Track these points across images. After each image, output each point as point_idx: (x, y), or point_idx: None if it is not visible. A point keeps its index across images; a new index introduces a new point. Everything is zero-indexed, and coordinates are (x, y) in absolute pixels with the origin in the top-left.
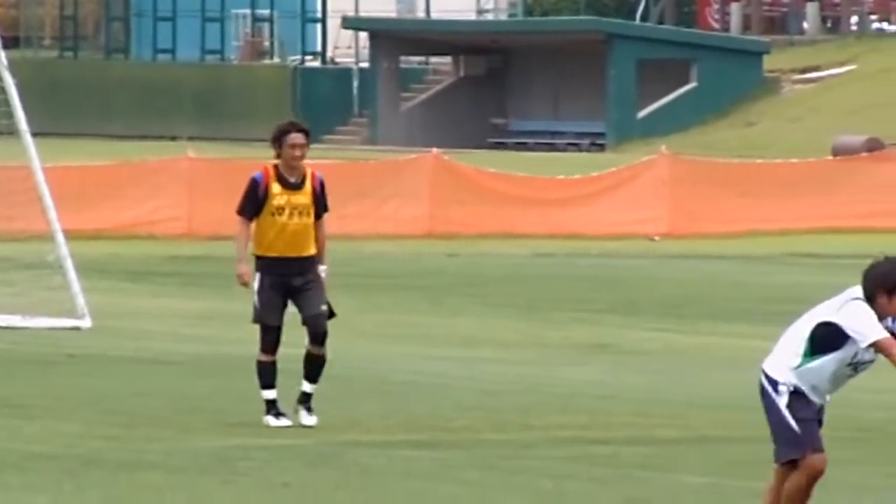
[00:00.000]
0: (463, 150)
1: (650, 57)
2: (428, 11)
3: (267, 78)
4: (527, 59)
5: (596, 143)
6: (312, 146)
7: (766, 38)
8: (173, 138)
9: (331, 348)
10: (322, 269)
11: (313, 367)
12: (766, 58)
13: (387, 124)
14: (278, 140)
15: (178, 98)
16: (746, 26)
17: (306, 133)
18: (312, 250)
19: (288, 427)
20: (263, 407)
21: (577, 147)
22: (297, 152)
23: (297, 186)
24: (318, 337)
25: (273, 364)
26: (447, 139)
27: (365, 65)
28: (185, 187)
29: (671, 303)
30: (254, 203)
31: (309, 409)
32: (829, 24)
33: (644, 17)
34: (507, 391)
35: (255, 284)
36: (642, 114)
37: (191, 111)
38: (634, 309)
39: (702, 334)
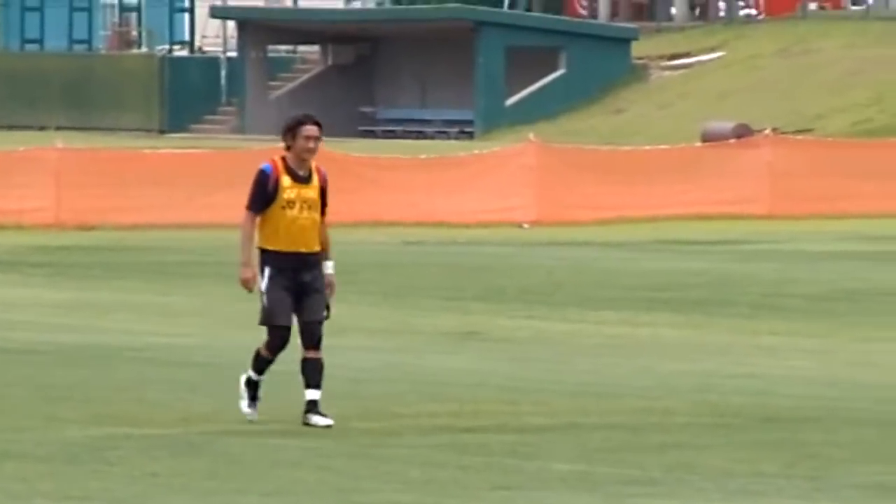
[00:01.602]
0: (331, 138)
1: (518, 44)
2: (296, 0)
3: (135, 67)
4: (395, 48)
5: (464, 131)
6: (179, 135)
7: (634, 25)
8: (41, 128)
9: (199, 336)
10: (329, 266)
11: (313, 372)
12: (634, 44)
13: (255, 113)
14: (292, 131)
15: (47, 88)
16: (614, 13)
17: (320, 125)
18: (318, 246)
19: (253, 421)
20: (244, 391)
21: (445, 135)
22: (311, 144)
23: (305, 180)
24: (313, 342)
25: (271, 361)
26: None
27: (233, 54)
28: (53, 177)
29: (540, 290)
30: (263, 196)
31: (321, 413)
32: (697, 11)
33: (512, 5)
34: (375, 379)
35: (263, 283)
36: (511, 101)
37: (59, 101)
38: (503, 296)
39: (570, 321)
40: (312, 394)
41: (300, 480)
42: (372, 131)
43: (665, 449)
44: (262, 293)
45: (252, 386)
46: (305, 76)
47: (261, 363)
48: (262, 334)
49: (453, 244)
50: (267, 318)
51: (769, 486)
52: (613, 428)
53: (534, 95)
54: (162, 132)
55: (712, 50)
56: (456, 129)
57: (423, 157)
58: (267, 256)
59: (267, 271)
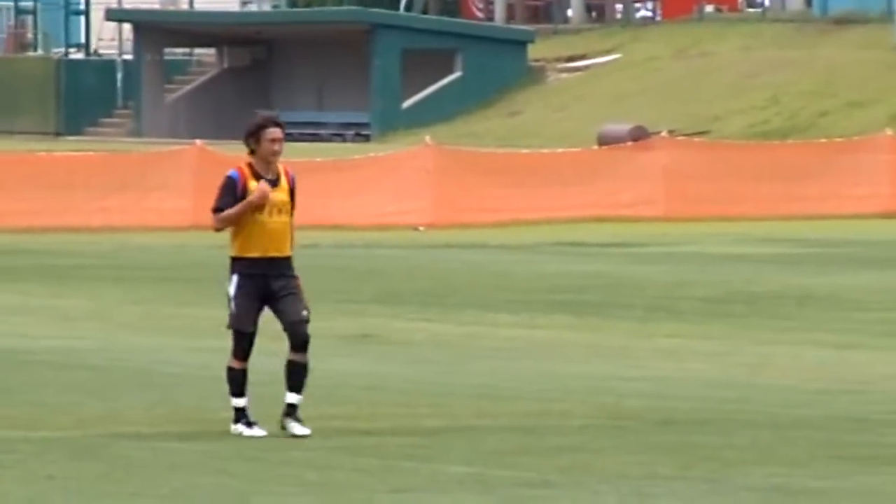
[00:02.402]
0: (227, 141)
1: (414, 47)
2: (191, 3)
3: (31, 70)
4: (291, 50)
5: (361, 134)
6: (75, 138)
7: (530, 28)
8: None
9: (94, 339)
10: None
11: (297, 375)
12: (530, 47)
13: (151, 116)
14: (255, 135)
15: None
16: (511, 16)
17: (282, 126)
18: (290, 250)
19: (263, 437)
20: (232, 415)
21: (341, 138)
22: (277, 147)
23: (274, 183)
24: (300, 344)
25: (244, 371)
26: (212, 131)
27: (129, 57)
28: None
29: (435, 293)
30: (232, 200)
31: (299, 420)
32: (593, 13)
33: (408, 8)
34: (273, 382)
35: (232, 289)
36: (407, 104)
37: None
38: (399, 299)
39: (466, 324)
40: (292, 397)
41: (197, 484)
42: None
43: (561, 451)
44: (229, 299)
45: (241, 413)
46: (201, 79)
47: (235, 383)
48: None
49: (349, 247)
50: (233, 323)
51: (665, 489)
52: (509, 430)
53: (430, 98)
54: (58, 135)
55: (608, 52)
56: (352, 132)
57: (318, 159)
58: (237, 264)
59: (235, 278)
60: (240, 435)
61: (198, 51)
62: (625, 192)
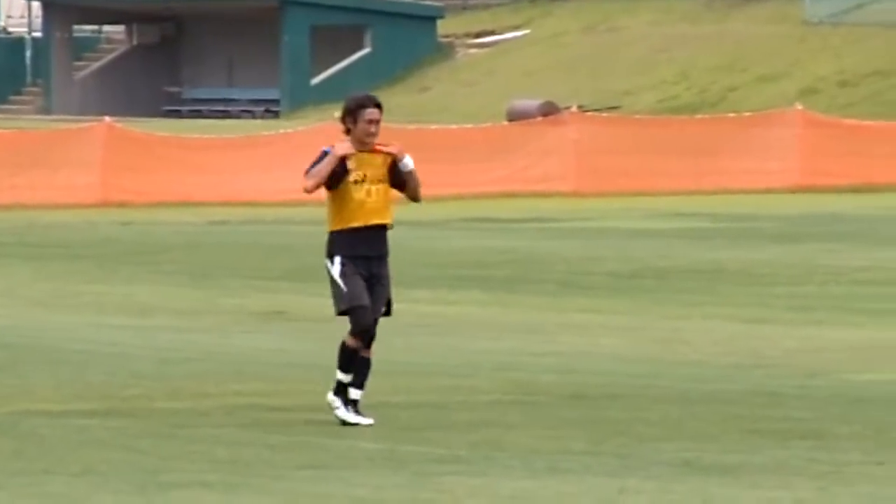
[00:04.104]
0: (137, 118)
1: (324, 23)
2: None
3: None
4: (200, 27)
5: (270, 110)
6: None
7: (439, 3)
8: None
9: (4, 317)
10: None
11: (362, 369)
12: (440, 23)
13: (61, 93)
14: (353, 114)
15: None
16: None
17: (381, 107)
18: (390, 219)
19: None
20: (335, 399)
21: (251, 114)
22: (373, 128)
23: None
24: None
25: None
26: (121, 107)
27: (38, 34)
28: None
29: None
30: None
31: (361, 413)
32: None
33: None
34: (182, 359)
35: (336, 270)
36: (316, 80)
37: None
38: (309, 275)
39: None
40: (356, 393)
41: (107, 460)
42: (177, 111)
43: (472, 427)
44: (338, 279)
45: (343, 390)
46: (110, 56)
47: (347, 356)
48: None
49: (259, 223)
50: (348, 302)
51: (576, 464)
52: (421, 406)
53: (339, 74)
54: None
55: (518, 28)
56: (262, 109)
57: (228, 136)
58: (339, 237)
59: (338, 259)
60: (329, 405)
61: (107, 28)
62: (535, 167)
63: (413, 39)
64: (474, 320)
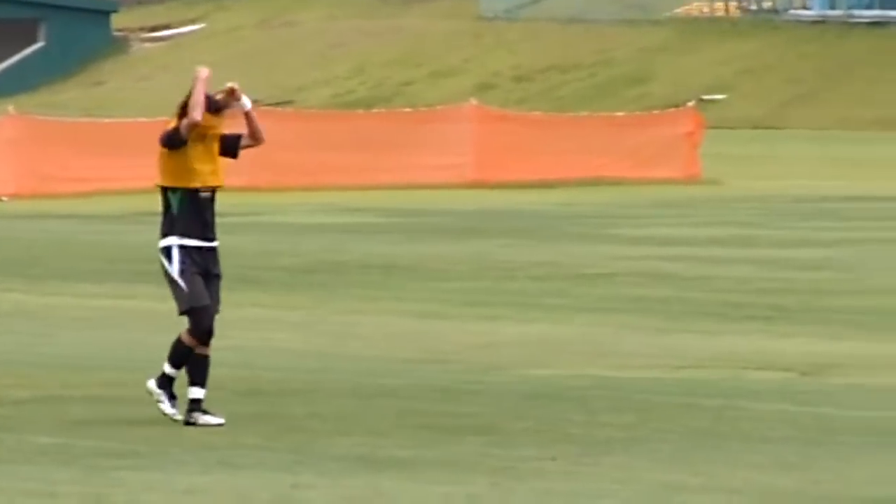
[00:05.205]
0: None
1: None
2: None
3: None
4: None
5: None
6: None
7: None
8: None
9: None
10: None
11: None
12: (114, 17)
13: None
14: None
15: None
16: None
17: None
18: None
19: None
20: (161, 393)
21: None
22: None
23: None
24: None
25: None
26: None
27: None
28: None
29: (19, 263)
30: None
31: (205, 412)
32: None
33: None
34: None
35: (175, 268)
36: None
37: None
38: None
39: (50, 294)
40: (198, 392)
41: None
42: None
43: (147, 422)
44: (176, 280)
45: (169, 383)
46: None
47: (182, 354)
48: None
49: None
50: (189, 303)
51: (250, 459)
52: (95, 400)
53: (13, 68)
54: None
55: (193, 22)
56: None
57: None
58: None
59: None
60: (157, 402)
61: None
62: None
63: (87, 33)
64: (148, 314)
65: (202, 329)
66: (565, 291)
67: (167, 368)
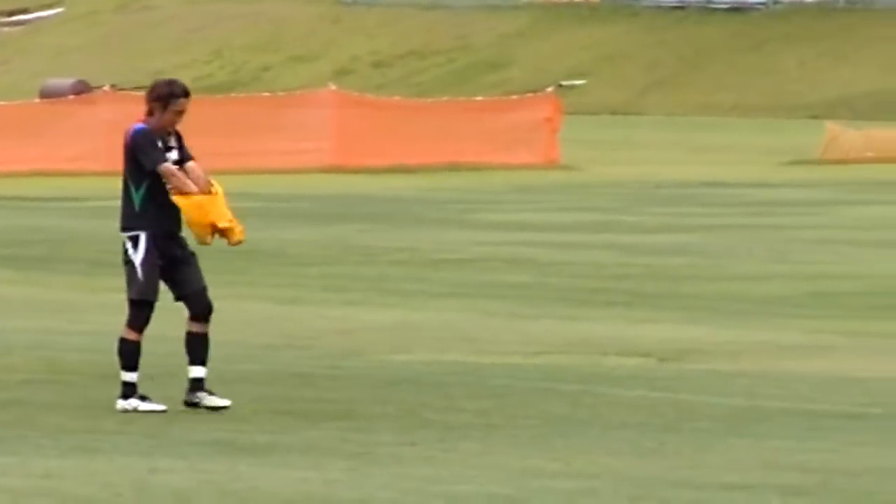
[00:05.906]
0: None
1: None
2: None
3: None
4: None
5: None
6: None
7: None
8: None
9: None
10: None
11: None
12: None
13: None
14: (163, 100)
15: None
16: None
17: (189, 96)
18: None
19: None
20: (131, 402)
21: None
22: (179, 119)
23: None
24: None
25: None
26: None
27: None
28: None
29: None
30: (161, 152)
31: (210, 392)
32: None
33: None
34: None
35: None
36: None
37: None
38: None
39: None
40: (200, 371)
41: None
42: None
43: (4, 405)
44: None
45: (133, 389)
46: None
47: (132, 352)
48: None
49: None
50: (139, 294)
51: (107, 443)
52: None
53: None
54: None
55: (51, 6)
56: None
57: None
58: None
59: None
60: (135, 410)
61: None
62: (67, 146)
63: None
64: (4, 300)
65: (139, 323)
66: (424, 277)
67: (124, 376)
